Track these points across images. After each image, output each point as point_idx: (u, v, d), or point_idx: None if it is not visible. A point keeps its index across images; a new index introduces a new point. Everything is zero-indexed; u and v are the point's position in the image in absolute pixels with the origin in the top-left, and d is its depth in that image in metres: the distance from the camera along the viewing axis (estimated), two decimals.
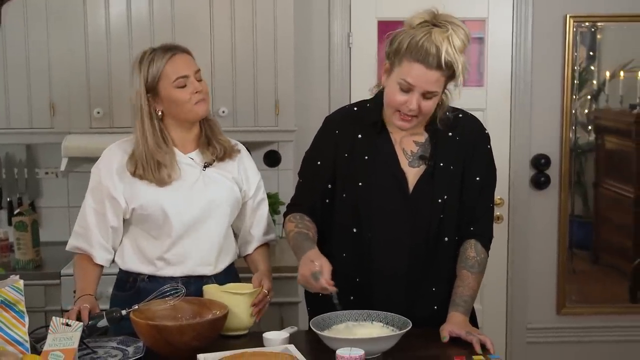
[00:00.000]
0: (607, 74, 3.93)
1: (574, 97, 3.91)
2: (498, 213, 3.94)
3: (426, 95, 2.14)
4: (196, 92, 2.31)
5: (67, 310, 3.17)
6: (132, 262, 2.36)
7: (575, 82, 3.90)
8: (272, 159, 3.87)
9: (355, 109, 2.38)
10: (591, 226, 4.06)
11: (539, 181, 3.93)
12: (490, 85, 3.91)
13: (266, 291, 2.30)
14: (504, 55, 3.89)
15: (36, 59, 3.43)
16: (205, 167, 2.38)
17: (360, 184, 2.27)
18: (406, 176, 2.26)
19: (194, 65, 2.36)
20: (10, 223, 3.60)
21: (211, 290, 2.26)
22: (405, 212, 2.25)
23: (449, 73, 2.13)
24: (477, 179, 2.28)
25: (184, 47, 2.39)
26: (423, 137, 2.29)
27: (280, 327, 2.70)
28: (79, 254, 2.40)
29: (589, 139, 3.97)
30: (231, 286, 2.33)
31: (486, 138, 2.34)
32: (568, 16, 3.84)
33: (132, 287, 2.35)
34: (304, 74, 3.78)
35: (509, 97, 3.91)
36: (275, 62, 3.48)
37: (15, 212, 3.39)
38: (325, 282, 2.10)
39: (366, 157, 2.28)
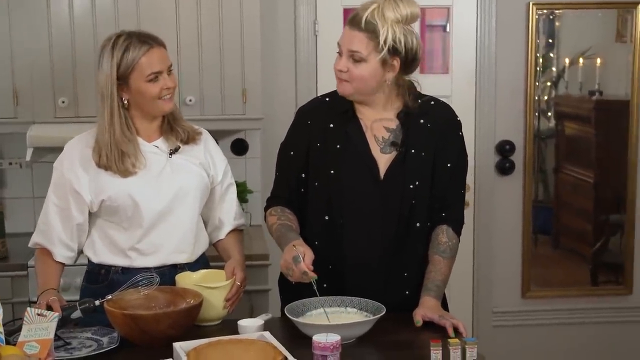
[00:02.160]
0: (567, 60, 3.98)
1: (537, 83, 3.96)
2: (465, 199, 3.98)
3: (354, 56, 2.18)
4: (166, 88, 2.30)
5: (35, 302, 3.17)
6: (105, 255, 2.33)
7: (538, 69, 3.96)
8: (239, 148, 3.86)
9: (327, 99, 2.40)
10: (552, 211, 4.12)
11: (504, 167, 3.98)
12: (455, 73, 3.94)
13: (239, 283, 2.30)
14: (468, 42, 3.92)
15: None
16: (171, 153, 2.37)
17: (332, 171, 2.28)
18: (377, 163, 2.28)
19: (168, 60, 2.33)
20: None
21: (184, 283, 2.26)
22: (376, 198, 2.27)
23: (373, 36, 2.16)
24: (449, 165, 2.31)
25: (161, 39, 2.35)
26: (394, 124, 2.31)
27: (250, 315, 2.71)
28: (39, 249, 2.37)
29: (550, 125, 4.03)
30: (203, 274, 2.33)
31: (457, 125, 2.36)
32: (531, 3, 3.88)
33: (104, 279, 2.33)
34: (270, 62, 3.78)
35: (474, 84, 3.95)
36: (242, 50, 3.47)
37: None
38: (304, 266, 2.11)
39: (338, 146, 2.29)
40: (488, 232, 4.01)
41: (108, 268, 2.33)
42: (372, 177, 2.27)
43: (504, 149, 3.97)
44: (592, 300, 4.10)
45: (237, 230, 2.53)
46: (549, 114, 4.04)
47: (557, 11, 3.94)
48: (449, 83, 3.95)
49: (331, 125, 2.32)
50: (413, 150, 2.27)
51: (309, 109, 2.41)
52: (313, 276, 2.11)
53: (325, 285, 2.29)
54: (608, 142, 4.07)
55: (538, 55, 3.94)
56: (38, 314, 1.81)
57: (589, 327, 4.08)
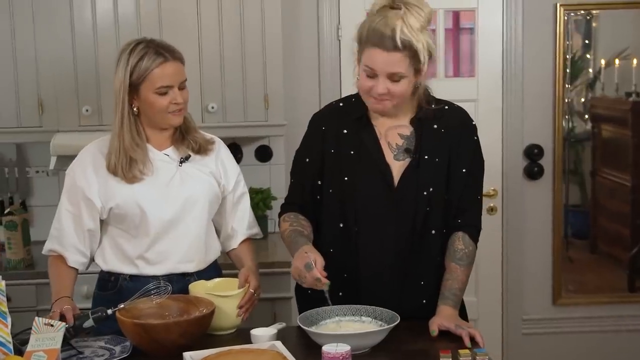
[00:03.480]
0: (603, 62, 3.90)
1: (567, 85, 3.88)
2: (492, 204, 3.92)
3: (393, 77, 2.13)
4: (175, 103, 2.28)
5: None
6: (113, 263, 2.33)
7: (568, 70, 3.88)
8: (263, 154, 3.85)
9: (341, 104, 2.37)
10: (588, 215, 4.04)
11: (533, 171, 3.91)
12: (482, 76, 3.89)
13: (252, 290, 2.27)
14: (494, 45, 3.87)
15: (23, 57, 3.41)
16: (181, 162, 2.36)
17: (345, 178, 2.25)
18: (391, 170, 2.24)
19: (182, 75, 2.31)
20: (0, 222, 3.57)
21: (197, 292, 2.24)
22: (390, 205, 2.23)
23: (411, 53, 2.11)
24: (464, 170, 2.26)
25: (179, 53, 2.33)
26: (408, 130, 2.27)
27: (273, 323, 2.69)
28: (53, 256, 2.37)
29: (586, 127, 3.95)
30: (217, 283, 2.32)
31: (472, 129, 2.32)
32: (558, 5, 3.81)
33: (114, 286, 2.33)
34: (293, 67, 3.76)
35: (501, 87, 3.89)
36: (264, 56, 3.46)
37: (5, 211, 3.37)
38: (317, 272, 2.08)
39: (352, 152, 2.26)
40: (517, 238, 3.94)
41: (117, 275, 2.33)
42: (385, 185, 2.24)
43: (532, 153, 3.90)
44: (628, 307, 3.99)
45: (250, 239, 2.51)
46: (586, 116, 3.95)
47: (593, 12, 3.86)
48: (475, 87, 3.89)
49: (345, 131, 2.29)
50: (427, 157, 2.23)
51: (323, 115, 2.39)
52: (326, 282, 2.09)
53: (340, 294, 2.27)
54: None
55: (568, 56, 3.86)
56: (46, 324, 1.81)
57: (623, 336, 3.97)
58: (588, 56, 3.92)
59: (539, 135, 3.89)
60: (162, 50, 2.28)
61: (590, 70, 3.92)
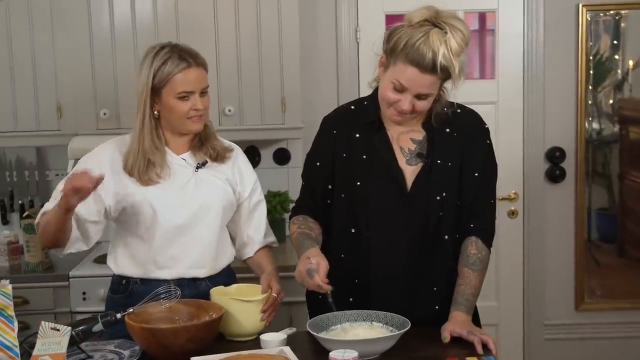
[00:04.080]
0: (631, 63, 3.83)
1: (590, 87, 3.82)
2: (513, 208, 3.88)
3: (420, 96, 2.10)
4: (195, 109, 2.28)
5: (77, 312, 3.20)
6: (125, 266, 2.33)
7: (591, 72, 3.81)
8: (281, 157, 3.84)
9: (353, 107, 2.34)
10: (616, 218, 3.97)
11: (554, 174, 3.86)
12: (502, 78, 3.84)
13: (275, 295, 2.25)
14: (515, 46, 3.82)
15: (42, 61, 3.44)
16: (197, 168, 2.35)
17: (358, 183, 2.23)
18: (404, 174, 2.21)
19: (204, 82, 2.31)
20: (20, 225, 3.61)
21: (219, 297, 2.22)
22: (403, 210, 2.20)
23: (445, 76, 2.08)
24: (476, 174, 2.23)
25: (203, 59, 2.32)
26: (420, 135, 2.24)
27: (289, 327, 2.67)
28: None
29: (614, 129, 3.88)
30: (238, 288, 2.30)
31: (485, 132, 2.28)
32: (580, 5, 3.75)
33: (125, 289, 2.33)
34: (311, 70, 3.75)
35: (522, 89, 3.84)
36: (281, 59, 3.45)
37: (24, 214, 3.39)
38: (319, 279, 2.06)
39: (364, 156, 2.24)
40: (539, 242, 3.88)
41: (128, 279, 2.33)
42: (398, 189, 2.21)
43: (554, 156, 3.84)
44: None
45: (267, 247, 2.50)
46: (615, 118, 3.89)
47: (622, 12, 3.80)
48: (496, 89, 3.85)
49: (357, 135, 2.26)
50: (439, 161, 2.20)
51: (334, 118, 2.36)
52: (328, 288, 2.07)
53: (351, 299, 2.25)
54: None
55: (590, 57, 3.80)
56: (52, 328, 1.81)
57: None
58: (617, 57, 3.85)
59: (560, 137, 3.84)
60: (186, 56, 2.27)
61: (619, 71, 3.85)
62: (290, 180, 3.80)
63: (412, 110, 2.13)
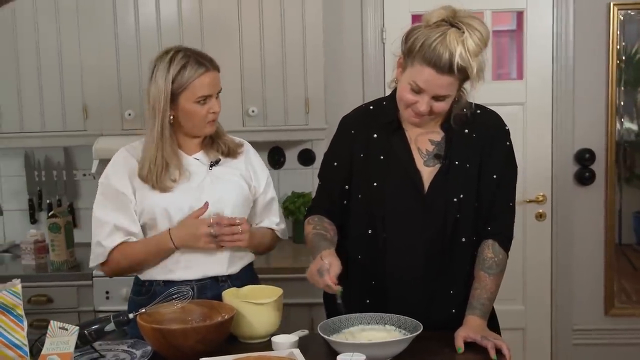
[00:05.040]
0: None
1: (622, 87, 3.74)
2: (541, 210, 3.82)
3: (438, 98, 2.07)
4: (212, 112, 2.30)
5: (100, 311, 3.23)
6: (147, 271, 2.34)
7: (623, 73, 3.73)
8: (306, 158, 3.83)
9: (371, 107, 2.32)
10: None
11: (584, 177, 3.79)
12: (530, 78, 3.79)
13: (239, 220, 2.23)
14: (544, 46, 3.76)
15: (68, 63, 3.49)
16: (211, 165, 2.36)
17: (375, 184, 2.21)
18: (421, 176, 2.18)
19: (219, 85, 2.33)
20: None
21: (231, 298, 2.21)
22: (420, 212, 2.17)
23: (463, 76, 2.05)
24: (495, 176, 2.19)
25: (216, 63, 2.33)
26: (439, 136, 2.21)
27: (311, 328, 2.67)
28: (119, 248, 2.30)
29: None
30: (250, 290, 2.29)
31: (505, 134, 2.24)
32: (612, 4, 3.68)
33: (147, 291, 2.33)
34: (336, 71, 3.74)
35: (550, 90, 3.78)
36: (305, 60, 3.44)
37: (49, 214, 3.44)
38: (329, 279, 2.04)
39: (381, 157, 2.22)
40: (567, 245, 3.82)
41: (151, 281, 2.34)
42: (415, 191, 2.18)
43: (583, 158, 3.77)
44: None
45: (272, 230, 2.48)
46: None
47: None
48: (524, 89, 3.79)
49: (375, 136, 2.24)
50: (457, 162, 2.17)
51: (353, 118, 2.34)
52: (337, 289, 2.05)
53: (368, 301, 2.23)
54: None
55: (623, 58, 3.72)
56: (60, 328, 1.82)
57: None
58: None
59: (590, 139, 3.77)
60: (203, 60, 2.28)
61: None
62: (315, 182, 3.72)
63: (430, 112, 2.10)
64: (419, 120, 2.15)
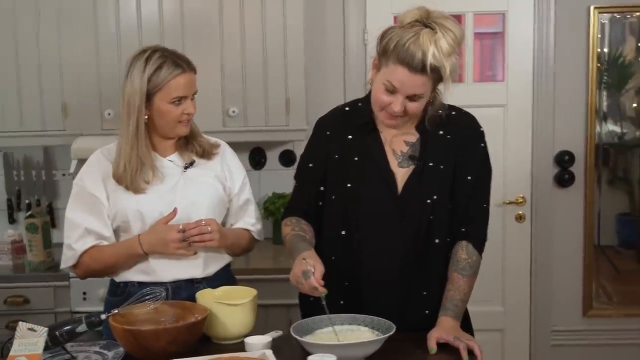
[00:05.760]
0: None
1: (602, 90, 3.76)
2: (520, 212, 3.83)
3: (412, 97, 2.08)
4: (186, 113, 2.29)
5: (76, 312, 3.21)
6: (122, 272, 2.33)
7: (603, 76, 3.75)
8: (287, 159, 3.83)
9: (347, 109, 2.32)
10: (637, 224, 3.90)
11: (563, 179, 3.80)
12: (511, 81, 3.80)
13: (204, 222, 2.22)
14: (525, 49, 3.77)
15: (47, 61, 3.46)
16: (186, 167, 2.35)
17: (348, 185, 2.21)
18: (395, 177, 2.19)
19: (195, 86, 2.32)
20: None
21: (204, 299, 2.21)
22: (394, 213, 2.18)
23: (436, 76, 2.05)
24: (469, 178, 2.19)
25: (193, 65, 2.32)
26: (414, 137, 2.22)
27: (289, 329, 2.66)
28: (84, 257, 2.30)
29: (637, 133, 3.82)
30: (225, 291, 2.28)
31: (480, 135, 2.24)
32: (592, 7, 3.70)
33: (122, 292, 2.33)
34: (318, 72, 3.73)
35: (531, 92, 3.79)
36: (286, 60, 3.44)
37: (27, 214, 3.42)
38: (315, 280, 2.04)
39: (356, 159, 2.22)
40: (546, 247, 3.84)
41: (126, 282, 2.33)
42: (389, 192, 2.18)
43: (563, 160, 3.79)
44: None
45: (250, 234, 2.47)
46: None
47: None
48: (505, 91, 3.80)
49: (350, 137, 2.25)
50: (431, 164, 2.17)
51: (328, 120, 2.34)
52: (323, 291, 2.05)
53: (342, 302, 2.23)
54: None
55: (605, 60, 3.73)
56: (29, 329, 1.81)
57: None
58: None
59: (570, 141, 3.79)
60: (179, 61, 2.28)
61: None
62: None
63: (404, 113, 2.11)
64: (394, 122, 2.15)
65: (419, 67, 2.02)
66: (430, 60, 2.00)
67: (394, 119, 2.14)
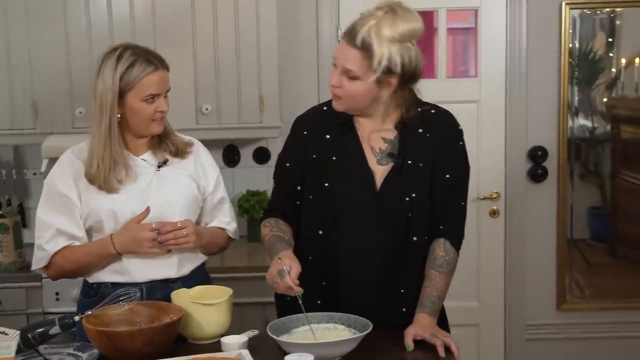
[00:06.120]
0: (623, 61, 3.80)
1: (575, 85, 3.79)
2: (494, 207, 3.85)
3: (347, 73, 2.09)
4: (159, 111, 2.27)
5: (49, 313, 3.18)
6: (95, 272, 2.30)
7: (575, 71, 3.78)
8: (261, 156, 3.81)
9: (325, 108, 2.31)
10: (608, 217, 3.94)
11: (536, 174, 3.83)
12: (484, 77, 3.81)
13: (180, 224, 2.21)
14: (497, 45, 3.78)
15: (17, 59, 3.40)
16: (159, 166, 2.33)
17: (326, 184, 2.20)
18: (374, 175, 2.18)
19: (168, 84, 2.30)
20: None
21: (179, 299, 2.19)
22: (372, 211, 2.18)
23: (367, 55, 2.05)
24: (447, 176, 2.19)
25: (166, 62, 2.31)
26: (392, 134, 2.21)
27: (265, 328, 2.65)
28: (57, 257, 2.27)
29: (607, 128, 3.85)
30: (200, 291, 2.27)
31: (458, 133, 2.25)
32: (564, 3, 3.72)
33: (96, 293, 2.30)
34: (291, 69, 3.72)
35: (504, 88, 3.80)
36: (259, 57, 3.42)
37: None
38: (290, 280, 2.03)
39: (334, 158, 2.21)
40: (520, 241, 3.85)
41: (99, 282, 2.30)
42: (368, 190, 2.18)
43: (536, 155, 3.81)
44: (637, 314, 3.88)
45: (225, 233, 2.45)
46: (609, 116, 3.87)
47: (617, 9, 3.76)
48: (478, 87, 3.81)
49: (328, 136, 2.24)
50: (410, 161, 2.17)
51: (306, 119, 2.33)
52: (299, 291, 2.04)
53: (319, 302, 2.22)
54: None
55: (576, 56, 3.76)
56: (0, 332, 1.78)
57: (629, 342, 3.87)
58: (611, 55, 3.81)
59: (543, 137, 3.81)
60: (152, 59, 2.26)
61: (613, 69, 3.82)
62: (270, 180, 3.73)
63: (341, 90, 2.11)
64: (336, 104, 2.17)
65: (353, 39, 2.06)
66: (363, 34, 2.04)
67: (335, 98, 2.16)
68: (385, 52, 2.04)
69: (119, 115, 2.25)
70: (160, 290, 2.29)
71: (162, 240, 2.19)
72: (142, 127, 2.28)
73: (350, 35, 2.08)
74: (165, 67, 2.29)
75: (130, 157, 2.30)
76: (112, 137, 2.24)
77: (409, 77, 2.12)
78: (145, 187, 2.29)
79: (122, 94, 2.23)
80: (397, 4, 2.08)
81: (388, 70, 2.07)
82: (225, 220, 2.45)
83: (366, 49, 2.04)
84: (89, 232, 2.30)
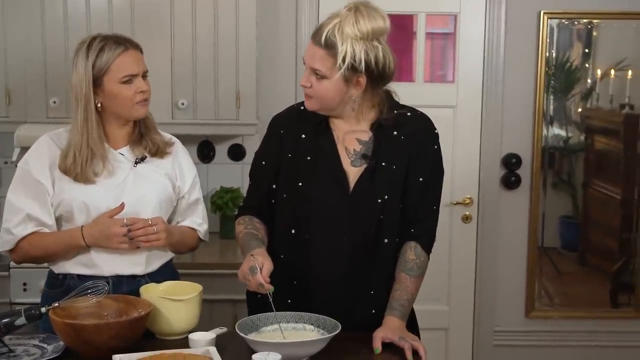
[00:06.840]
0: (599, 72, 3.83)
1: (550, 95, 3.82)
2: (467, 213, 3.86)
3: (316, 72, 2.10)
4: (140, 92, 2.24)
5: (16, 303, 3.13)
6: (61, 263, 2.27)
7: (551, 80, 3.81)
8: (236, 153, 3.79)
9: (302, 107, 2.30)
10: (579, 227, 3.97)
11: (510, 181, 3.85)
12: (461, 82, 3.82)
13: (150, 221, 2.19)
14: (475, 51, 3.80)
15: None
16: (136, 163, 2.30)
17: (300, 184, 2.20)
18: (347, 175, 2.18)
19: (144, 65, 2.28)
20: None
21: (148, 294, 2.17)
22: (344, 212, 2.17)
23: (333, 54, 2.06)
24: (421, 179, 2.19)
25: (137, 43, 2.29)
26: (367, 136, 2.21)
27: (234, 325, 2.63)
28: (24, 242, 2.24)
29: (581, 138, 3.88)
30: (169, 286, 2.25)
31: (434, 137, 2.25)
32: (542, 12, 3.75)
33: (61, 284, 2.27)
34: (269, 66, 3.70)
35: (480, 94, 3.82)
36: (237, 53, 3.40)
37: None
38: (261, 277, 2.02)
39: (308, 158, 2.21)
40: (491, 248, 3.88)
41: (65, 274, 2.28)
42: (340, 191, 2.17)
43: (510, 162, 3.83)
44: (606, 323, 3.92)
45: (195, 233, 2.44)
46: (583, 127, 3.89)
47: (594, 21, 3.79)
48: (455, 93, 3.83)
49: (303, 136, 2.23)
50: (384, 163, 2.17)
51: (283, 118, 2.33)
52: (269, 288, 2.03)
53: (289, 301, 2.21)
54: (637, 157, 3.90)
55: (553, 65, 3.79)
56: None
57: (596, 351, 3.91)
58: (587, 65, 3.84)
59: (517, 144, 3.83)
60: (121, 41, 2.25)
61: (589, 80, 3.85)
62: (245, 177, 3.68)
63: (312, 90, 2.13)
64: (308, 104, 2.18)
65: (318, 40, 2.08)
66: (327, 33, 2.06)
67: (308, 99, 2.17)
68: (349, 49, 2.04)
69: (99, 105, 2.23)
70: (127, 284, 2.27)
71: (132, 236, 2.17)
72: (126, 111, 2.25)
73: (316, 34, 2.10)
74: (137, 48, 2.28)
75: (109, 150, 2.28)
76: (90, 127, 2.22)
77: (377, 76, 2.12)
78: (121, 182, 2.27)
79: (98, 81, 2.21)
80: (363, 3, 2.09)
81: (352, 68, 2.07)
82: (198, 221, 2.43)
83: (330, 47, 2.06)
84: (58, 220, 2.27)
